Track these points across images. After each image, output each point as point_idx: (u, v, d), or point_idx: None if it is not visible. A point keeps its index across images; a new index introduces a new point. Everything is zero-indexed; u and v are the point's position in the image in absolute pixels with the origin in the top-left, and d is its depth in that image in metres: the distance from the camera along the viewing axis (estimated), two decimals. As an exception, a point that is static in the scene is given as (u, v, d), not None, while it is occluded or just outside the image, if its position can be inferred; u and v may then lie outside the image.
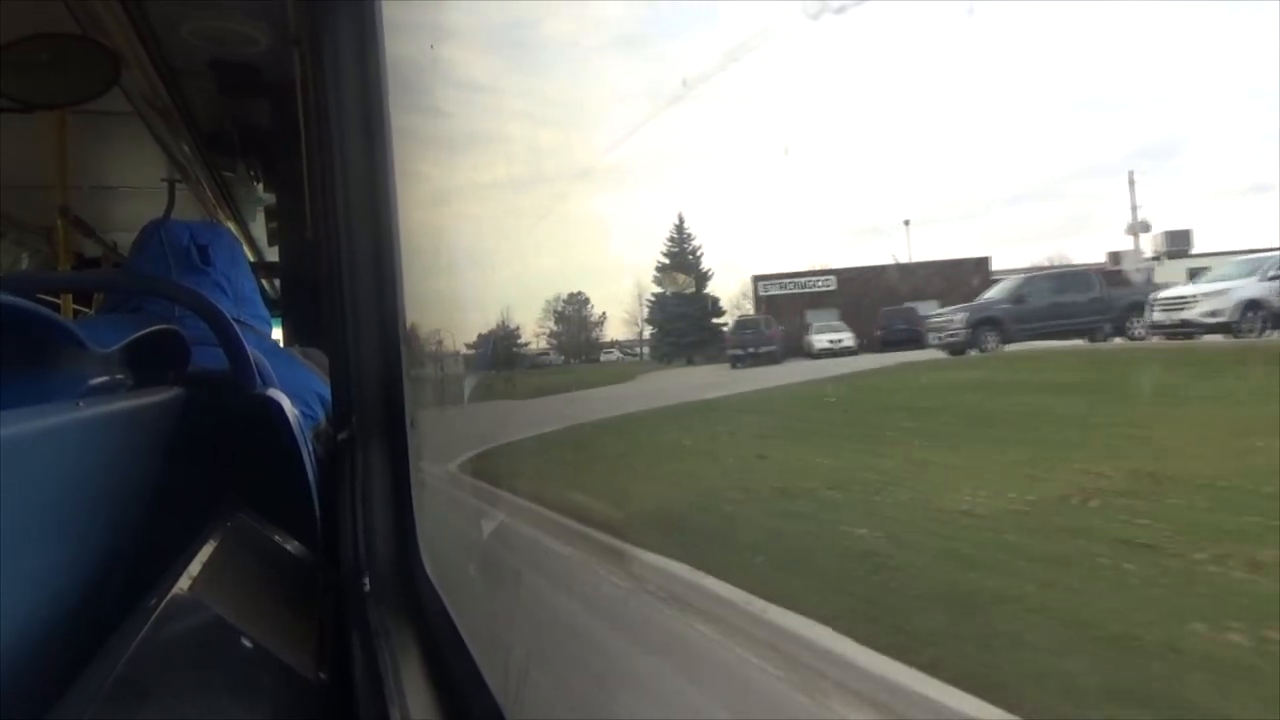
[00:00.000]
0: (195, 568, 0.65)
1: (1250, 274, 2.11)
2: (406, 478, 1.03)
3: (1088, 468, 1.86)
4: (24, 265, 3.73)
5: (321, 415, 1.37)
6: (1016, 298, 3.21)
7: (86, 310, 2.84)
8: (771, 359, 4.47)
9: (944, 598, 1.55)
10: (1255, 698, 1.00)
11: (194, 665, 0.56)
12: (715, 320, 5.16)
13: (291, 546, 0.95)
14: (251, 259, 2.62)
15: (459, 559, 1.14)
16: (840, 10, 0.70)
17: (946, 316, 3.40)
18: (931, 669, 1.25)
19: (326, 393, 1.34)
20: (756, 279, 4.94)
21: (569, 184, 1.19)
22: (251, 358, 1.03)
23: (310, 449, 1.09)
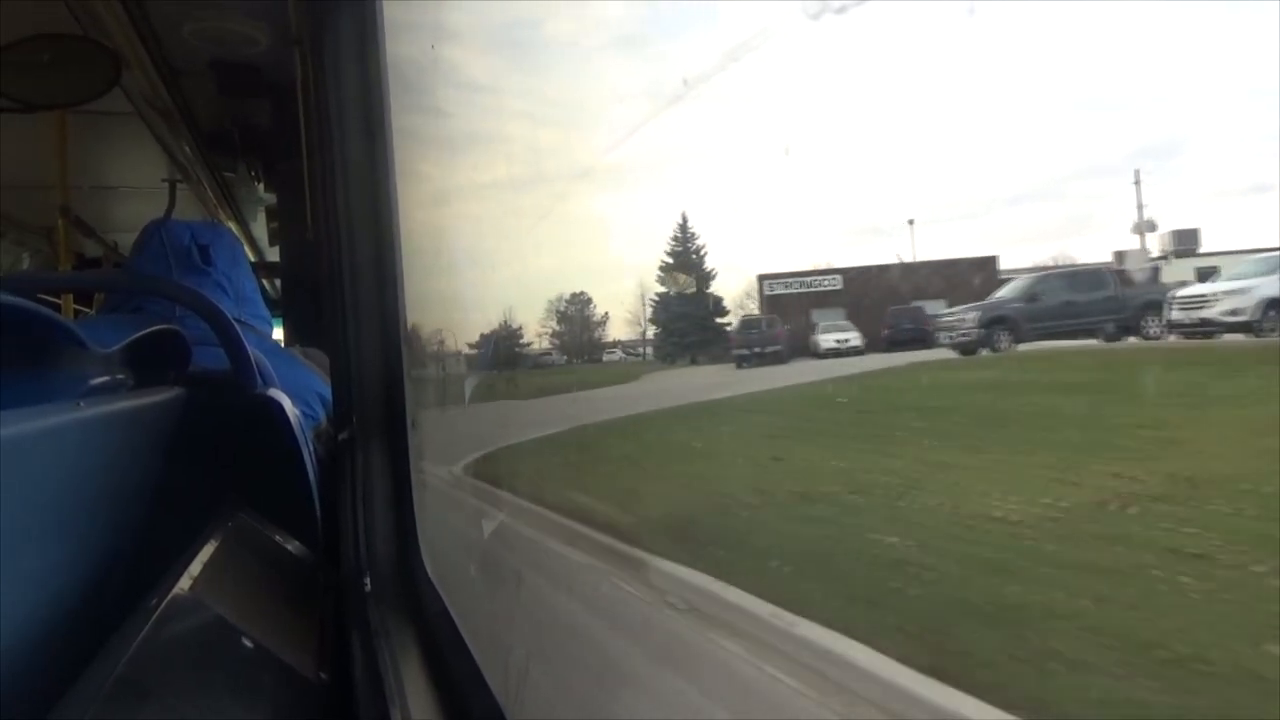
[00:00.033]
0: (196, 567, 0.65)
1: (1272, 272, 2.08)
2: (407, 478, 1.03)
3: (1118, 471, 1.78)
4: (25, 265, 3.73)
5: (322, 415, 1.37)
6: (1029, 296, 3.16)
7: (87, 310, 2.85)
8: (777, 359, 4.45)
9: (989, 613, 1.44)
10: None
11: (195, 665, 0.56)
12: (719, 320, 5.16)
13: (292, 546, 0.95)
14: (252, 259, 2.63)
15: (462, 561, 1.14)
16: (841, 10, 0.70)
17: (958, 315, 3.35)
18: (989, 694, 1.15)
19: (327, 393, 1.34)
20: (762, 278, 4.93)
21: (570, 184, 1.19)
22: (252, 358, 1.03)
23: (311, 449, 1.09)
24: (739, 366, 4.48)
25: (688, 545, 2.01)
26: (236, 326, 1.03)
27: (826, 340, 4.44)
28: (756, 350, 4.53)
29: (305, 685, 0.66)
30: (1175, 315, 2.37)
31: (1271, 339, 2.00)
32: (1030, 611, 1.41)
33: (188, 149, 2.87)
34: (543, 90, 1.30)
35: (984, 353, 3.20)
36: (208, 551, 0.70)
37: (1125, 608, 1.33)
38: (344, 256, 1.10)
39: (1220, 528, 1.41)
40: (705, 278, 4.96)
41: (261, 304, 1.52)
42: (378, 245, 1.09)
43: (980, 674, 1.23)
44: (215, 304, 1.04)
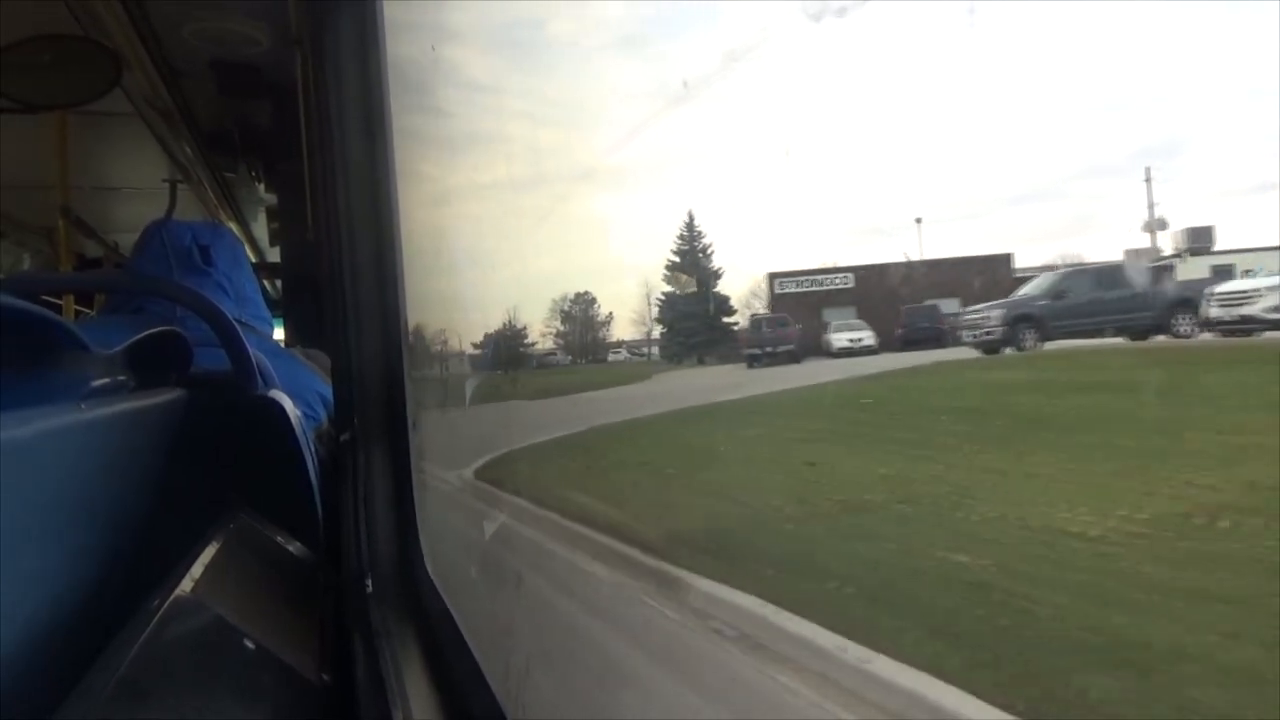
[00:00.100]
0: (197, 569, 0.65)
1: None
2: (409, 479, 1.03)
3: (1191, 479, 1.62)
4: (26, 266, 3.73)
5: (323, 416, 1.37)
6: (1056, 293, 3.08)
7: (88, 311, 2.85)
8: (790, 358, 4.42)
9: (1102, 651, 1.24)
10: None
11: (196, 666, 0.56)
12: (726, 319, 5.14)
13: (293, 547, 0.95)
14: (253, 259, 2.62)
15: (464, 563, 1.14)
16: (842, 12, 0.69)
17: (982, 313, 3.29)
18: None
19: (328, 393, 1.34)
20: (772, 276, 4.92)
21: (571, 185, 1.19)
22: (253, 358, 1.03)
23: (312, 450, 1.09)
24: (750, 366, 4.45)
25: (727, 562, 1.83)
26: (237, 327, 1.03)
27: (839, 339, 4.40)
28: (768, 350, 4.50)
29: (307, 686, 0.66)
30: (1215, 312, 2.29)
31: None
32: (1153, 651, 1.19)
33: (188, 149, 2.87)
34: (543, 90, 1.30)
35: (1008, 351, 3.13)
36: (209, 553, 0.70)
37: (1263, 646, 1.10)
38: (345, 257, 1.10)
39: (1335, 545, 1.19)
40: (713, 276, 4.96)
41: (262, 304, 1.52)
42: (378, 245, 1.09)
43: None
44: (216, 305, 1.04)
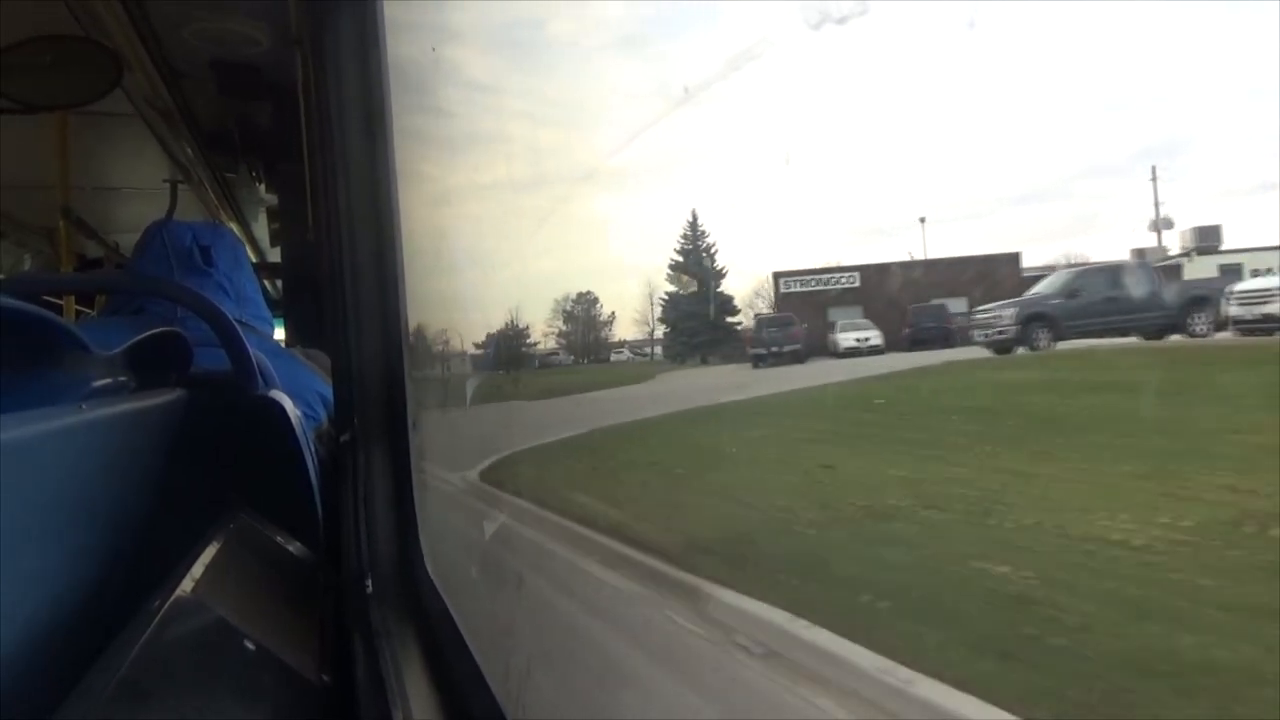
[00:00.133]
0: (198, 569, 0.65)
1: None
2: (409, 479, 1.03)
3: (1231, 483, 1.54)
4: (26, 266, 3.73)
5: (324, 416, 1.37)
6: (1069, 292, 3.03)
7: (89, 311, 2.85)
8: (796, 358, 4.39)
9: (1172, 675, 1.11)
10: None
11: (196, 667, 0.56)
12: (729, 319, 5.13)
13: (294, 548, 0.95)
14: (254, 260, 2.63)
15: (464, 563, 1.14)
16: (842, 21, 0.69)
17: (994, 312, 3.25)
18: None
19: (328, 393, 1.34)
20: (777, 275, 4.91)
21: (572, 185, 1.19)
22: (254, 359, 1.03)
23: (312, 450, 1.09)
24: (756, 366, 4.43)
25: (748, 571, 1.73)
26: (238, 328, 1.03)
27: (846, 339, 4.37)
28: (774, 349, 4.47)
29: (307, 686, 0.66)
30: (1235, 310, 2.26)
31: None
32: (1229, 675, 1.07)
33: (189, 150, 2.87)
34: (544, 90, 1.30)
35: (1020, 351, 3.09)
36: (209, 553, 0.71)
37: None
38: (345, 257, 1.10)
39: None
40: (716, 275, 4.95)
41: (263, 305, 1.52)
42: (379, 245, 1.09)
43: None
44: (216, 305, 1.04)
